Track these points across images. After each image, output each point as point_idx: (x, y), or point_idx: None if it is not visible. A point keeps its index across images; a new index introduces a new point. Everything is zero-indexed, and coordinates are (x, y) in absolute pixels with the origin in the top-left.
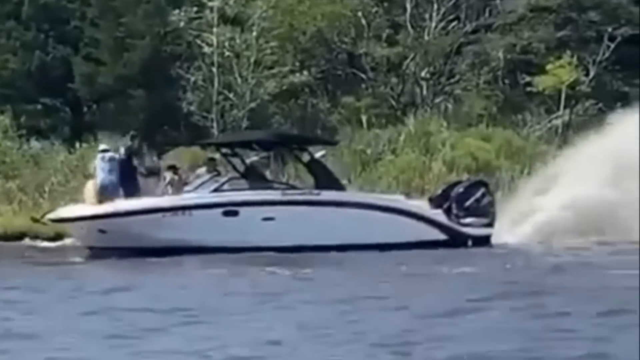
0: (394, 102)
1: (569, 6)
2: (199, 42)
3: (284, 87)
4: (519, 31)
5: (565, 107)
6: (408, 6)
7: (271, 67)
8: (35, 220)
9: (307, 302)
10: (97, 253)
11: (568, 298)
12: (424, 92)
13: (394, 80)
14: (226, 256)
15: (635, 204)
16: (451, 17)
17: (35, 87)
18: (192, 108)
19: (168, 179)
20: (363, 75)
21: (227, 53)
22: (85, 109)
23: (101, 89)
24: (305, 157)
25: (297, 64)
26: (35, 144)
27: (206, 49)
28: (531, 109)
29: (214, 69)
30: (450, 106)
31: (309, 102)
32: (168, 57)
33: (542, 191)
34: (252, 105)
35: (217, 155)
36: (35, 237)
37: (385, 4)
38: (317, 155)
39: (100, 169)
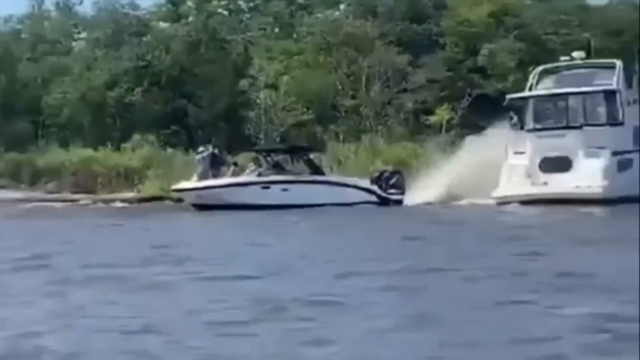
0: (355, 129)
1: (446, 78)
2: (254, 96)
3: (298, 121)
4: (421, 92)
5: (445, 132)
6: (363, 79)
7: (290, 110)
8: (165, 191)
9: (297, 230)
10: (196, 208)
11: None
12: (371, 123)
13: (355, 117)
14: (256, 212)
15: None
16: (384, 84)
17: (168, 120)
18: (250, 131)
19: (232, 168)
20: (339, 115)
21: (268, 102)
22: (193, 132)
23: (203, 122)
24: (305, 158)
25: (305, 109)
26: (169, 151)
27: (258, 100)
28: (427, 133)
29: (262, 110)
30: (385, 131)
31: (311, 129)
32: (238, 104)
33: (431, 176)
34: (282, 129)
35: (260, 156)
36: (167, 198)
37: (351, 78)
38: (311, 156)
39: (198, 162)
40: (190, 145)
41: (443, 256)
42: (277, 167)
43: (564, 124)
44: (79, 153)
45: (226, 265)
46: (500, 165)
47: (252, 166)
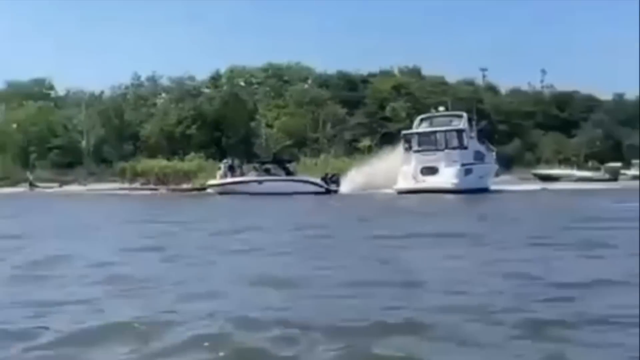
0: (317, 151)
1: (368, 122)
2: (259, 131)
3: (285, 145)
4: (353, 130)
5: (367, 152)
6: (321, 122)
7: (280, 139)
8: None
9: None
10: (221, 195)
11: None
12: (326, 147)
13: (316, 144)
14: (254, 196)
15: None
16: (333, 125)
17: (209, 144)
18: (258, 151)
19: (238, 172)
20: (308, 142)
21: (267, 135)
22: (225, 151)
23: (229, 145)
24: (283, 166)
25: (288, 138)
26: (210, 161)
27: (261, 134)
28: (357, 154)
29: (263, 139)
30: (333, 152)
31: (292, 150)
32: (250, 136)
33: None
34: (274, 150)
35: (256, 165)
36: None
37: (314, 121)
38: (287, 165)
39: (220, 168)
40: (222, 158)
41: (352, 218)
42: (267, 171)
43: (434, 148)
44: (159, 162)
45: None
46: (398, 171)
47: (253, 172)
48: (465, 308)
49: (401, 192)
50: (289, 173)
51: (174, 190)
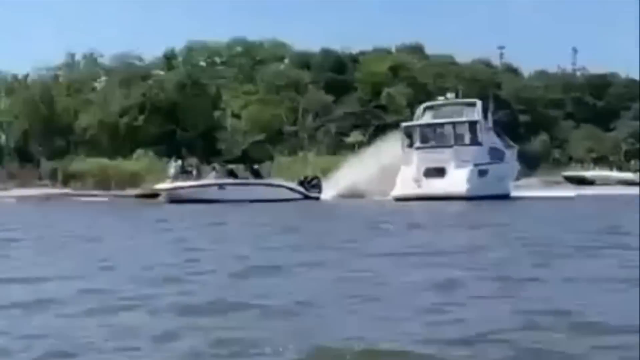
0: (295, 147)
1: (359, 112)
2: (224, 123)
3: (255, 141)
4: (340, 121)
5: (358, 148)
6: (300, 111)
7: (249, 133)
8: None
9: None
10: (172, 203)
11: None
12: (306, 143)
13: (294, 139)
14: (213, 205)
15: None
16: (315, 116)
17: (162, 139)
18: (222, 148)
19: (194, 174)
20: (283, 137)
21: (234, 127)
22: (180, 148)
23: (187, 140)
24: (252, 167)
25: (260, 132)
26: (163, 160)
27: (226, 126)
28: (345, 150)
29: (229, 133)
30: (315, 149)
31: (264, 147)
32: (213, 128)
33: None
34: (243, 147)
35: (217, 166)
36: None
37: (292, 111)
38: (255, 166)
39: (173, 168)
40: (178, 156)
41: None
42: (231, 174)
43: (441, 144)
44: (99, 162)
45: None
46: (396, 173)
47: (213, 174)
48: None
49: (400, 199)
50: (258, 175)
51: (116, 196)
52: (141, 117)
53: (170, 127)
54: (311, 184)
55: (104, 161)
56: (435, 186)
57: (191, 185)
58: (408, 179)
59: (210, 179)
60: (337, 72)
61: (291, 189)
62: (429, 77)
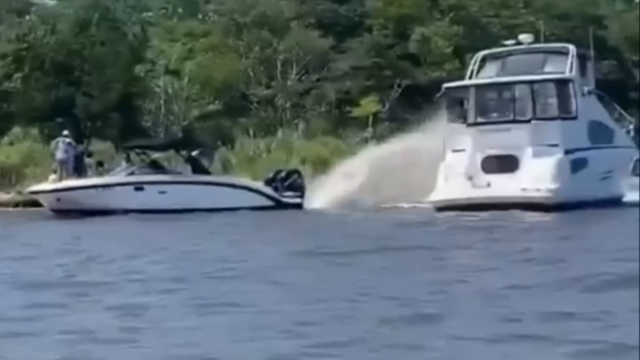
0: (269, 122)
1: (373, 65)
2: (153, 84)
3: (204, 113)
4: (344, 81)
5: (372, 126)
6: (278, 64)
7: (194, 100)
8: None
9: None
10: (56, 215)
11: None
12: (287, 116)
13: (269, 109)
14: (121, 219)
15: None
16: (303, 72)
17: (52, 111)
18: (148, 124)
19: (93, 167)
20: (251, 106)
21: (169, 91)
22: (82, 125)
23: (93, 113)
24: (190, 156)
25: (212, 98)
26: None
27: (157, 89)
28: (351, 127)
29: (162, 102)
30: (302, 125)
31: (218, 122)
32: (134, 93)
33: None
34: (184, 122)
35: (132, 153)
36: None
37: (265, 64)
38: (193, 153)
39: (57, 154)
40: (79, 139)
41: None
42: (154, 166)
43: (510, 117)
44: None
45: None
46: (436, 165)
47: (123, 165)
48: None
49: (443, 209)
50: (199, 169)
51: None
52: (17, 77)
53: (67, 92)
54: (286, 183)
55: None
56: (501, 186)
57: (89, 185)
58: (457, 175)
59: (121, 175)
60: (338, 1)
61: (253, 190)
62: (488, 7)
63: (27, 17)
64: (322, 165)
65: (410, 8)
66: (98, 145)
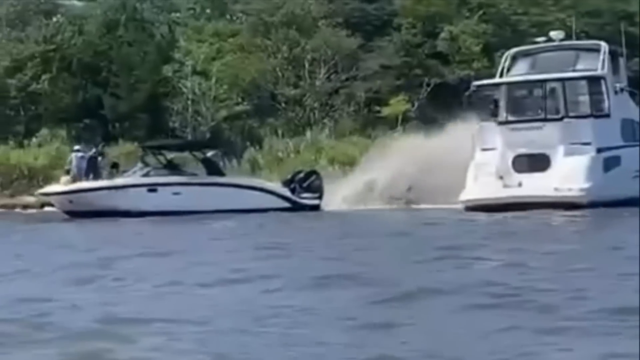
0: (297, 123)
1: (402, 64)
2: (180, 84)
3: (232, 113)
4: (373, 80)
5: (401, 126)
6: (306, 64)
7: (222, 101)
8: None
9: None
10: (69, 218)
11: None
12: (316, 116)
13: (298, 109)
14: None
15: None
16: (331, 71)
17: (80, 112)
18: (175, 125)
19: (106, 170)
20: (279, 106)
21: (197, 91)
22: (109, 126)
23: (120, 114)
24: (200, 156)
25: (240, 99)
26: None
27: (184, 89)
28: (380, 127)
29: (189, 102)
30: (331, 125)
31: (246, 122)
32: (162, 94)
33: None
34: (212, 123)
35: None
36: None
37: (293, 63)
38: (209, 154)
39: (73, 159)
40: (107, 141)
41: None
42: (170, 167)
43: (542, 115)
44: None
45: None
46: (466, 164)
47: (138, 166)
48: None
49: (472, 208)
50: (213, 170)
51: (7, 206)
52: (45, 78)
53: (93, 93)
54: (303, 185)
55: None
56: (532, 186)
57: (101, 187)
58: (487, 174)
59: (135, 176)
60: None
61: (270, 192)
62: (517, 5)
63: (55, 19)
64: (351, 165)
65: (438, 6)
66: (125, 147)
